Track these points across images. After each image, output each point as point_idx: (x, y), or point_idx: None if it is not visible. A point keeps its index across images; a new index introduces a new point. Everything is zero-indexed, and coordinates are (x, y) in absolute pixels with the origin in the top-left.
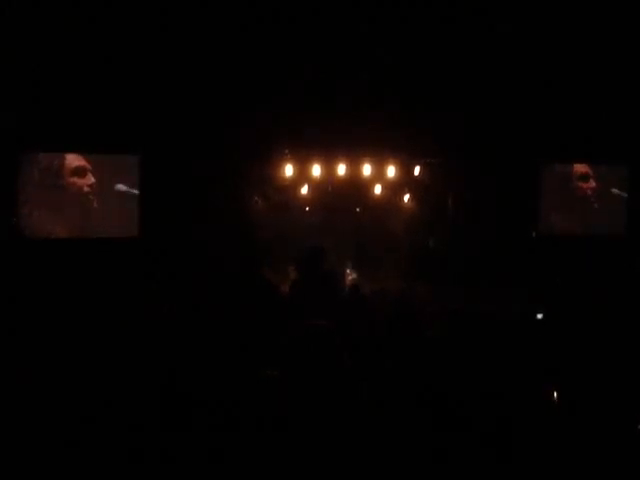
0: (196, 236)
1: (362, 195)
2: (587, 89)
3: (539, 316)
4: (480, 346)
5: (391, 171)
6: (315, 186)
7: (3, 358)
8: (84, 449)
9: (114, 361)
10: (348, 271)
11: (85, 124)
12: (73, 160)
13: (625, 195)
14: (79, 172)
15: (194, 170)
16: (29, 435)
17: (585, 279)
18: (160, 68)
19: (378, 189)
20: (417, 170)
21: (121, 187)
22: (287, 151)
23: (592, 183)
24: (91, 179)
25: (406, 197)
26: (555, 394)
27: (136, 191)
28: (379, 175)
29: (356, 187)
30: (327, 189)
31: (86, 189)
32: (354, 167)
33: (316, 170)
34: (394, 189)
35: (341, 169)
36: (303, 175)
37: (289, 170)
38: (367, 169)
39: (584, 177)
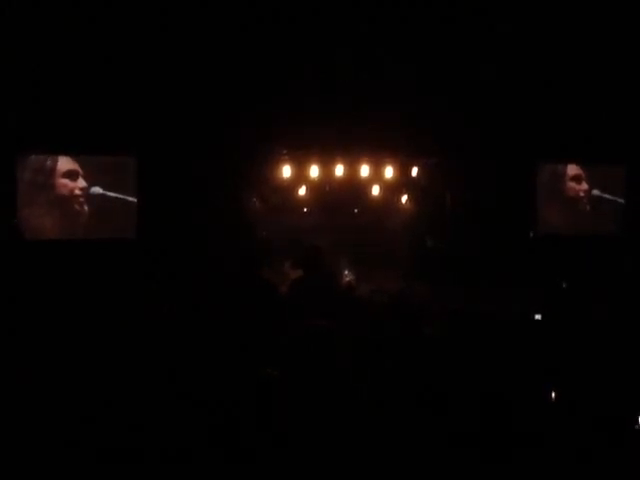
0: (194, 236)
1: (360, 196)
2: (586, 89)
3: (537, 317)
4: (479, 346)
5: (389, 172)
6: (313, 187)
7: (3, 359)
8: (84, 449)
9: (114, 361)
10: (346, 272)
11: (82, 125)
12: (65, 164)
13: (620, 197)
14: (70, 175)
15: (192, 171)
16: (29, 435)
17: (584, 279)
18: (158, 68)
19: (376, 190)
20: (415, 171)
21: (97, 190)
22: (285, 152)
23: (584, 185)
24: (82, 183)
25: (404, 198)
26: (554, 394)
27: (113, 194)
28: (377, 176)
29: (354, 188)
30: (325, 190)
31: (77, 192)
32: (352, 168)
33: (314, 171)
34: (392, 190)
35: (339, 170)
36: (301, 176)
37: (287, 171)
38: (365, 170)
39: (578, 178)
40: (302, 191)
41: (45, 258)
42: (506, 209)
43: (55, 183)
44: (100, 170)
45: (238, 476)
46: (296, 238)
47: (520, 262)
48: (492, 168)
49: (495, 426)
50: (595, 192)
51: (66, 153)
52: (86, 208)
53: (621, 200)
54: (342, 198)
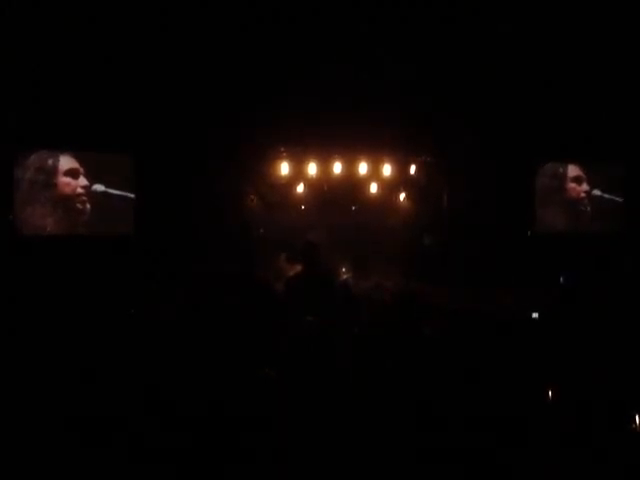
0: (192, 235)
1: (358, 194)
2: (585, 89)
3: (534, 315)
4: (479, 346)
5: (387, 170)
6: (311, 184)
7: (1, 357)
8: (83, 448)
9: (112, 360)
10: (343, 269)
11: (81, 123)
12: (66, 162)
13: (619, 198)
14: (72, 173)
15: (190, 169)
16: (28, 433)
17: (583, 278)
18: (157, 68)
19: (374, 188)
20: (413, 169)
21: (99, 187)
22: (283, 149)
23: (585, 186)
24: (84, 181)
25: (402, 196)
26: (554, 393)
27: (114, 191)
28: (375, 173)
29: (352, 185)
30: (323, 187)
31: (79, 190)
32: (350, 165)
33: (312, 168)
34: (390, 188)
35: (337, 167)
36: (299, 173)
37: (285, 168)
38: (363, 167)
39: (578, 179)
40: (300, 189)
41: (43, 254)
42: (504, 208)
43: (57, 182)
44: (100, 168)
45: (238, 474)
46: (293, 236)
47: (519, 262)
48: (491, 168)
49: (495, 425)
50: (596, 192)
51: (66, 151)
52: (88, 206)
53: (620, 199)
54: (340, 196)
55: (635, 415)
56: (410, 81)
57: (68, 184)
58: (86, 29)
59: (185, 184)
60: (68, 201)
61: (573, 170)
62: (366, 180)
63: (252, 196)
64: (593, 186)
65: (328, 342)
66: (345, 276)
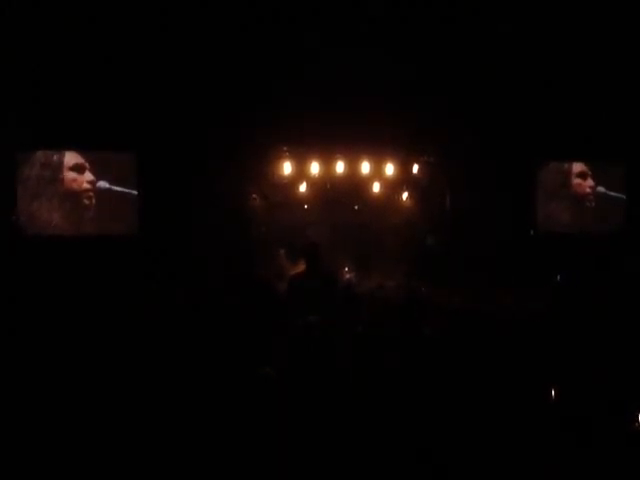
0: (194, 235)
1: (361, 193)
2: (586, 89)
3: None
4: (479, 346)
5: (389, 169)
6: (313, 183)
7: (2, 355)
8: (83, 447)
9: (113, 358)
10: (346, 268)
11: (85, 122)
12: (72, 158)
13: (623, 195)
14: (78, 169)
15: (193, 168)
16: (28, 432)
17: (584, 277)
18: (159, 68)
19: (377, 187)
20: (415, 168)
21: (103, 184)
22: (286, 149)
23: (590, 182)
24: (90, 176)
25: (404, 195)
26: (555, 392)
27: (119, 188)
28: (378, 173)
29: (355, 185)
30: (326, 187)
31: (86, 185)
32: (353, 165)
33: (315, 168)
34: (393, 187)
35: (340, 167)
36: (302, 173)
37: (288, 168)
38: (366, 167)
39: (583, 174)
40: (303, 188)
41: (46, 253)
42: (506, 208)
43: (63, 177)
44: (103, 166)
45: (238, 473)
46: (296, 235)
47: (520, 261)
48: (492, 167)
49: (496, 425)
50: (600, 189)
51: (69, 149)
52: (94, 202)
53: (623, 196)
54: (342, 195)
55: (636, 415)
56: (410, 81)
57: (74, 179)
58: (87, 32)
59: (186, 183)
60: (75, 197)
61: (577, 166)
62: (369, 179)
63: (254, 195)
64: (597, 183)
65: (328, 342)
66: (348, 275)
